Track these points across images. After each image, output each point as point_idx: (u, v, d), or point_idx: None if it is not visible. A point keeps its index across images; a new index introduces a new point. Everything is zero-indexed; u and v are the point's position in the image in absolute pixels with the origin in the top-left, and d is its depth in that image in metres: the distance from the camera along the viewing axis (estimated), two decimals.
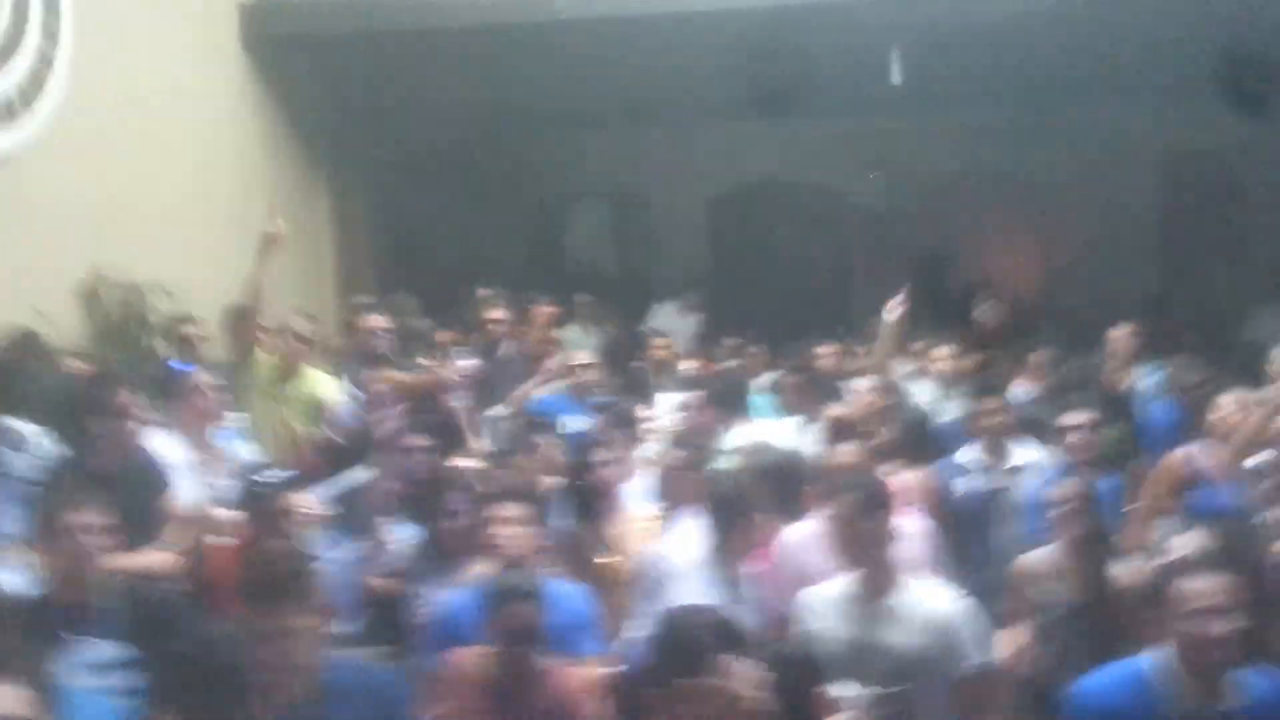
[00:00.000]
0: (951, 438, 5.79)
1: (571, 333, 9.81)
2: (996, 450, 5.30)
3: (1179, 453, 5.10)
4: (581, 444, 4.95)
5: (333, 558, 4.31)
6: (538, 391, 6.66)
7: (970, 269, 14.20)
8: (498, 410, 6.92)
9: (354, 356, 6.66)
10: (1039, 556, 4.19)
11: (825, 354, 7.19)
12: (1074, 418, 5.11)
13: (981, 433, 5.39)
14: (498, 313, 7.37)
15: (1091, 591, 3.96)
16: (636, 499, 4.94)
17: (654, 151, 12.17)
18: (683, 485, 4.63)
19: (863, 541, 3.57)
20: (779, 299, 12.74)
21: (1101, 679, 3.24)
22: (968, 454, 5.43)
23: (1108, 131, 11.08)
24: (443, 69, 9.70)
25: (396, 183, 10.88)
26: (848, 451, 4.54)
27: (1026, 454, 5.30)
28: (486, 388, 7.04)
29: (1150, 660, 3.17)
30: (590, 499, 4.55)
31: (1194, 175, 11.50)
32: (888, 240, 12.74)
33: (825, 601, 3.63)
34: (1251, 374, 6.06)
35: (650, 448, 5.37)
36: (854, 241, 12.92)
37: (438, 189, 11.82)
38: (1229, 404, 5.21)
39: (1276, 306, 9.41)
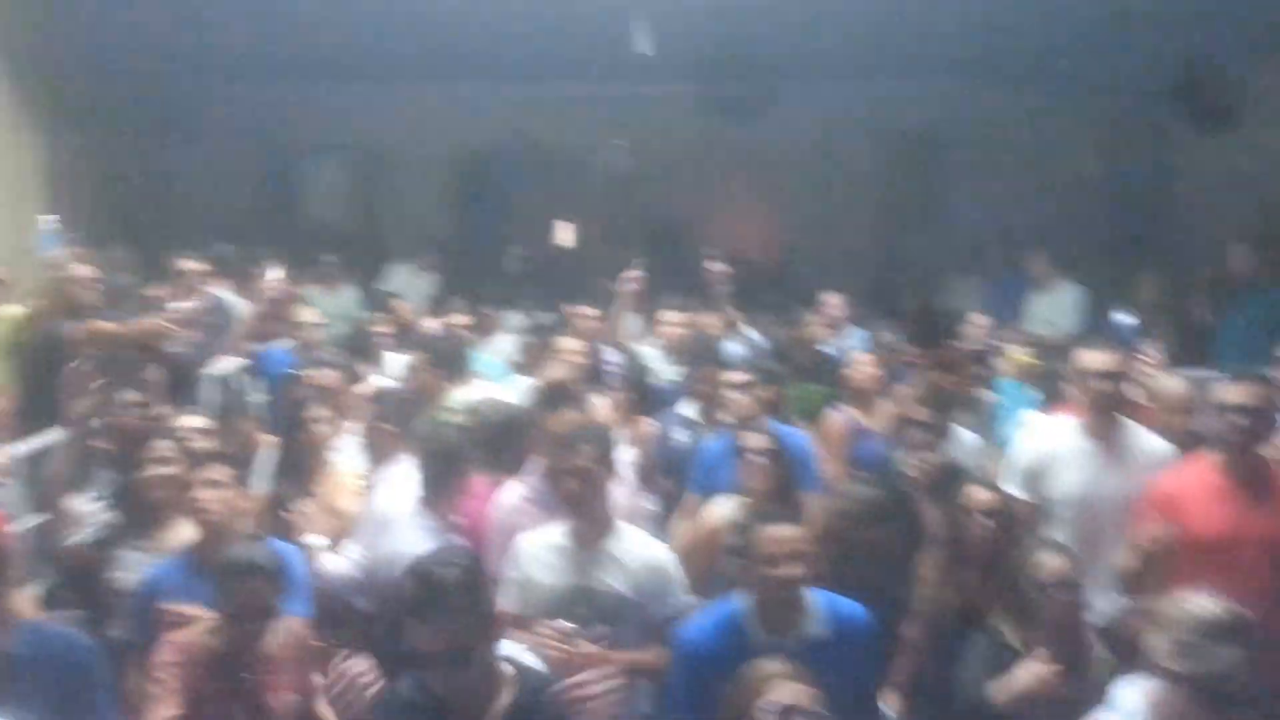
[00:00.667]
0: (675, 395, 6.05)
1: (311, 292, 9.59)
2: (711, 410, 5.54)
3: (838, 410, 5.52)
4: (294, 402, 4.84)
5: (22, 521, 4.05)
6: (257, 348, 6.45)
7: (707, 236, 14.70)
8: (216, 367, 6.70)
9: (58, 308, 6.25)
10: (724, 505, 4.41)
11: (570, 316, 7.28)
12: (734, 377, 5.33)
13: (698, 395, 5.63)
14: (197, 264, 7.10)
15: None
16: (348, 458, 4.91)
17: (396, 108, 11.91)
18: (391, 442, 4.62)
19: (579, 490, 3.68)
20: (519, 262, 12.80)
21: (701, 620, 3.50)
22: (687, 409, 5.67)
23: (831, 108, 11.62)
24: (166, 17, 9.18)
25: (116, 134, 10.24)
26: (567, 410, 4.61)
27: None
28: (204, 344, 6.80)
29: (739, 601, 3.45)
30: (300, 458, 4.46)
31: (907, 152, 12.23)
32: (629, 206, 12.97)
33: (540, 548, 3.73)
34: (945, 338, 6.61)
35: (364, 407, 5.30)
36: (596, 207, 13.05)
37: (159, 141, 11.20)
38: (864, 362, 5.70)
39: (970, 277, 10.19)
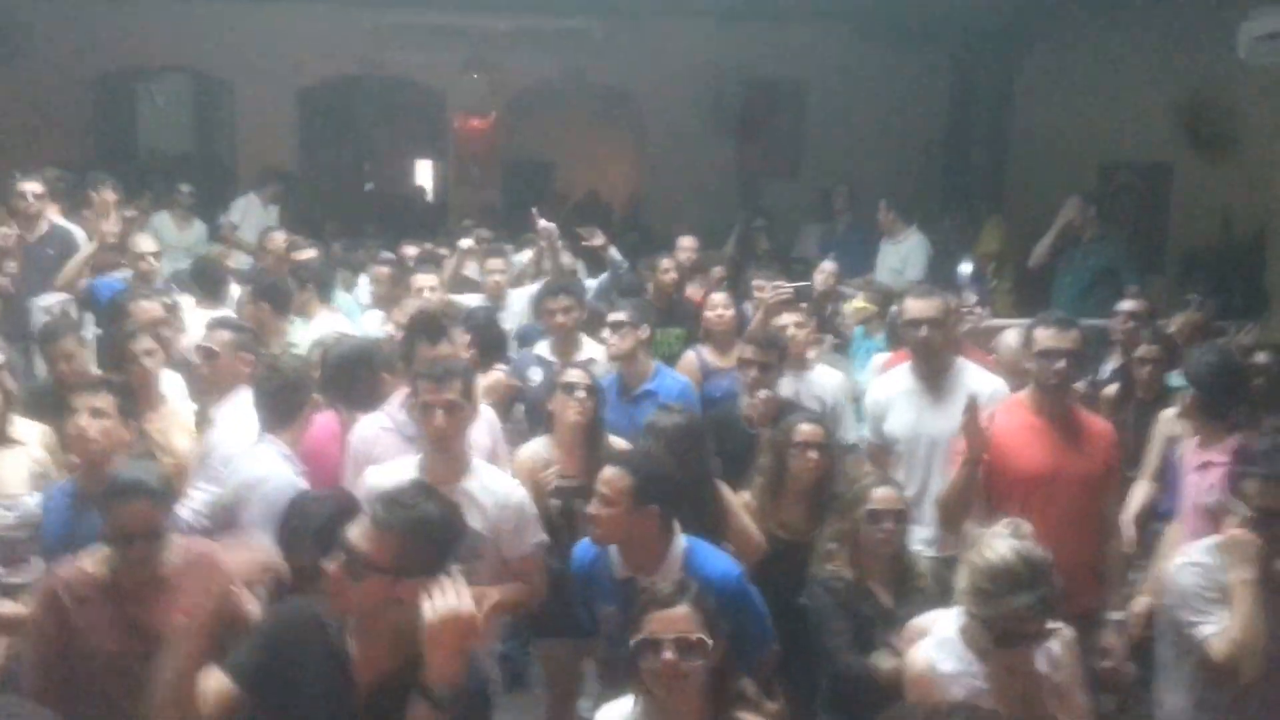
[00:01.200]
0: (533, 336, 6.04)
1: (161, 221, 9.22)
2: (567, 344, 5.53)
3: (692, 350, 5.62)
4: (123, 335, 4.64)
5: None
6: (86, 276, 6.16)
7: (565, 174, 14.64)
8: (47, 297, 6.37)
9: None
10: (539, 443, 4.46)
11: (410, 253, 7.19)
12: (612, 317, 5.30)
13: (554, 329, 5.61)
14: (34, 186, 6.71)
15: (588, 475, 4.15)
16: (179, 392, 4.79)
17: (241, 30, 11.35)
18: (225, 377, 4.52)
19: (444, 425, 3.65)
20: (367, 196, 12.51)
21: (583, 546, 3.73)
22: (544, 348, 5.65)
23: (691, 48, 11.63)
24: None
25: None
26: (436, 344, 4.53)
27: (593, 349, 5.55)
28: (32, 272, 6.46)
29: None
30: (129, 392, 4.27)
31: (765, 98, 12.33)
32: (486, 145, 12.75)
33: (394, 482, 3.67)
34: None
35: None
36: (452, 145, 12.81)
37: None
38: (718, 302, 5.82)
39: (821, 225, 10.39)
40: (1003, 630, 2.92)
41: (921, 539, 4.24)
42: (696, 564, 3.46)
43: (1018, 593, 2.89)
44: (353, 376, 4.43)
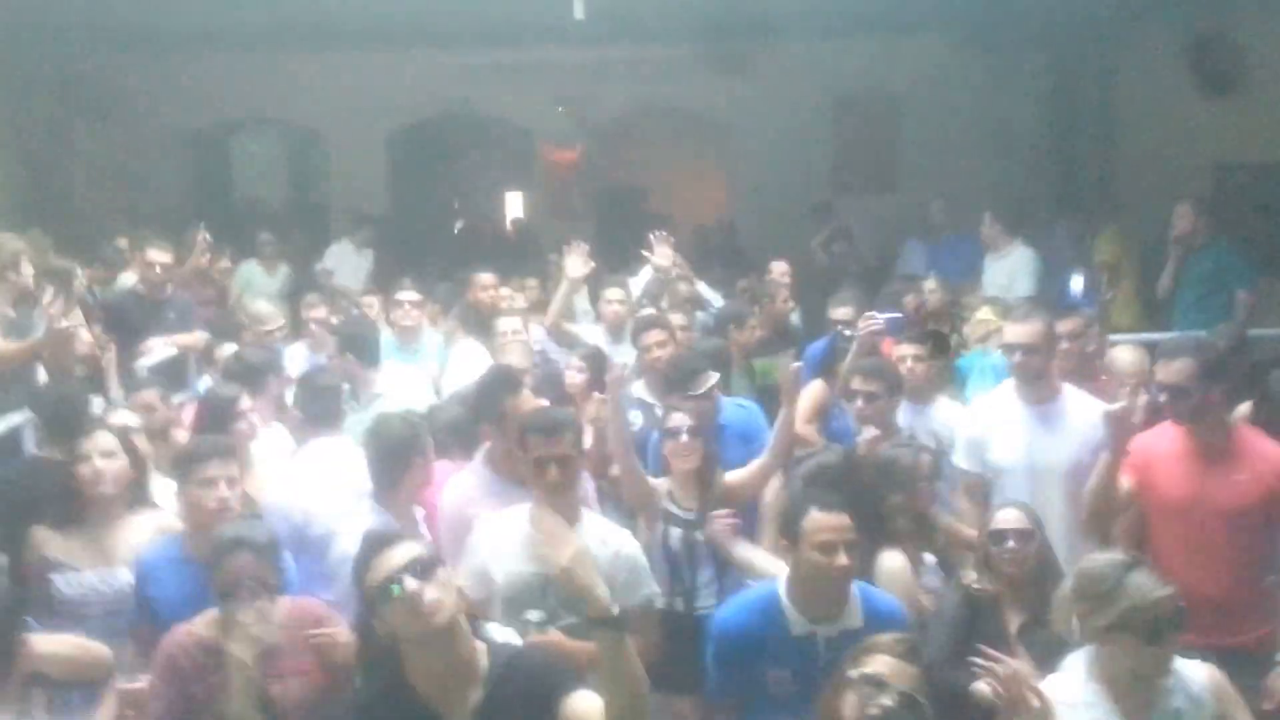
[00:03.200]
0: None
1: (250, 269, 9.37)
2: (658, 388, 5.32)
3: (816, 383, 5.35)
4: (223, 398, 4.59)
5: None
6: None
7: (656, 204, 14.53)
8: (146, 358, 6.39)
9: None
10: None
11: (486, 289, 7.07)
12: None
13: (648, 365, 5.42)
14: (155, 252, 6.72)
15: (708, 508, 4.18)
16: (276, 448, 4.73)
17: (329, 79, 11.49)
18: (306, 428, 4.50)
19: (559, 479, 3.57)
20: (460, 237, 12.51)
21: (738, 602, 3.51)
22: (640, 388, 5.47)
23: (782, 70, 11.41)
24: None
25: (26, 110, 9.79)
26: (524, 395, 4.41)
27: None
28: (139, 332, 6.48)
29: (780, 583, 3.42)
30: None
31: (860, 116, 12.07)
32: (575, 176, 12.71)
33: (503, 535, 3.62)
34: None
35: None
36: (541, 177, 12.80)
37: (72, 116, 10.73)
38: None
39: (924, 240, 10.00)
40: (1139, 620, 2.83)
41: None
42: (873, 607, 3.38)
43: (1130, 574, 2.87)
44: (455, 433, 4.45)
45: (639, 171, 14.44)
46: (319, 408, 4.56)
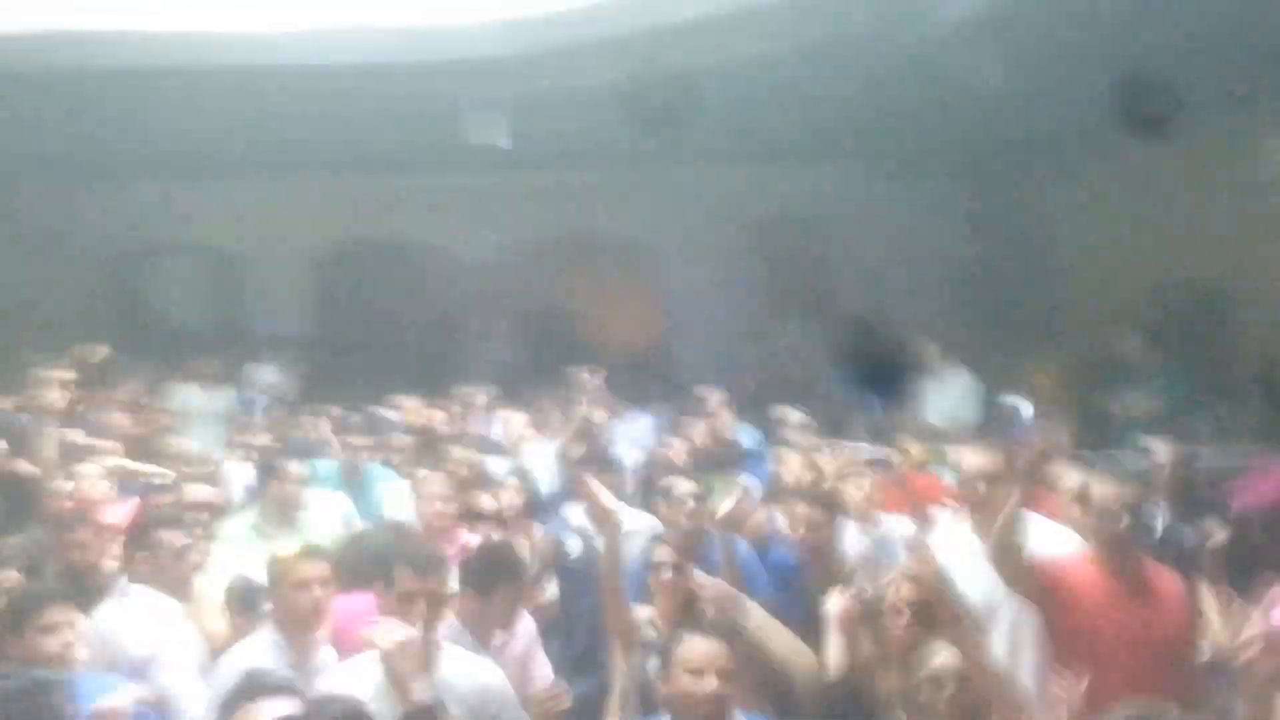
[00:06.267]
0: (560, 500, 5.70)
1: (189, 392, 9.09)
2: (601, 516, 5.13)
3: (760, 511, 5.21)
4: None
5: None
6: None
7: (577, 328, 14.43)
8: None
9: None
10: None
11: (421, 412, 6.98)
12: (684, 486, 5.06)
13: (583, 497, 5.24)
14: (61, 374, 6.42)
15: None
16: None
17: (246, 205, 11.37)
18: None
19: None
20: (384, 358, 12.23)
21: None
22: (575, 515, 5.30)
23: (705, 195, 11.51)
24: None
25: None
26: None
27: (634, 518, 5.16)
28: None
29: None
30: None
31: (783, 240, 12.19)
32: (496, 298, 12.61)
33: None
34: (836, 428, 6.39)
35: None
36: (462, 300, 12.71)
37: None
38: (792, 462, 5.44)
39: (850, 367, 9.98)
40: None
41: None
42: None
43: None
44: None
45: (563, 296, 14.38)
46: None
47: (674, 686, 3.25)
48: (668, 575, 4.18)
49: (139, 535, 4.28)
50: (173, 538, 4.24)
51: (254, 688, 2.51)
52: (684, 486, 5.03)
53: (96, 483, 5.43)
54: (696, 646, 3.27)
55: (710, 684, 3.20)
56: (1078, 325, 9.85)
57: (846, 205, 11.50)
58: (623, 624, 4.21)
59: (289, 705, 2.48)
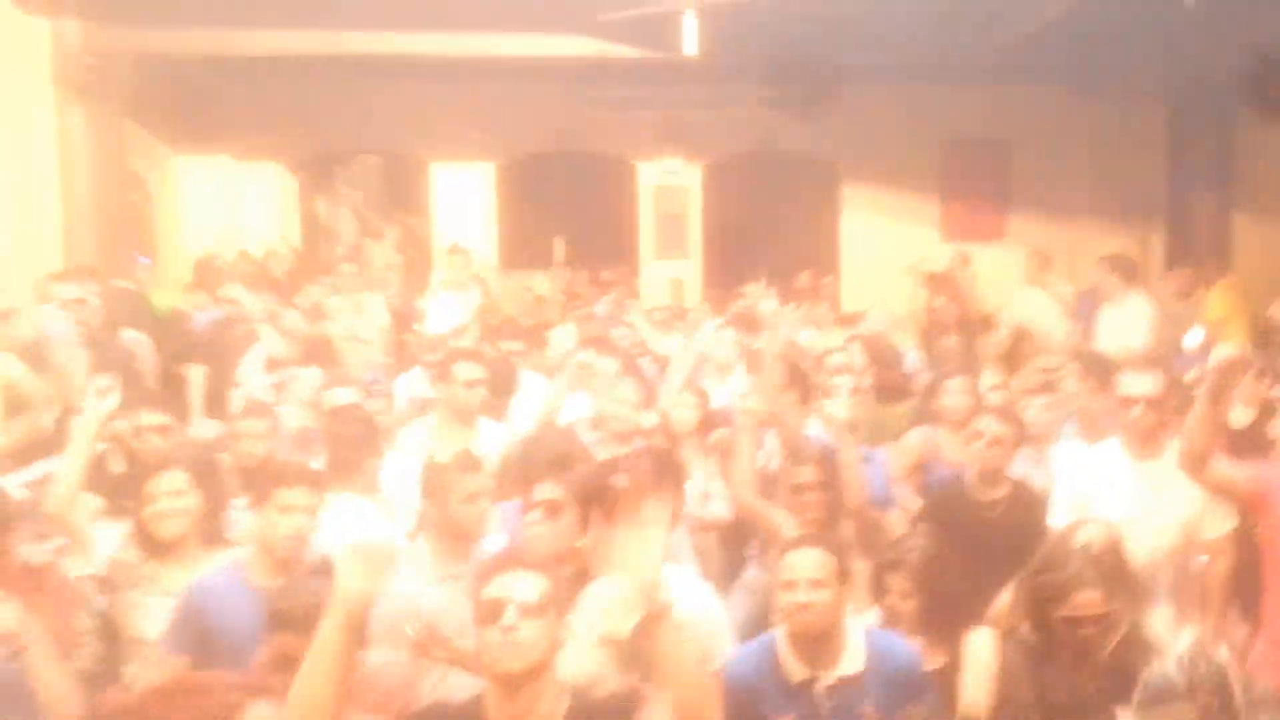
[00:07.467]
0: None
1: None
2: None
3: (916, 432, 5.28)
4: None
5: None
6: None
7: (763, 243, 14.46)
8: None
9: None
10: None
11: None
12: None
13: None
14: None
15: None
16: None
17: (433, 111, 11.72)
18: None
19: None
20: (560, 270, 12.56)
21: (742, 651, 3.36)
22: None
23: (891, 115, 11.39)
24: None
25: None
26: None
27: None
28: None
29: (777, 632, 3.30)
30: None
31: (968, 160, 11.96)
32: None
33: None
34: None
35: None
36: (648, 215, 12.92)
37: None
38: (957, 390, 5.38)
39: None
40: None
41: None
42: (881, 650, 3.26)
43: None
44: None
45: (747, 211, 14.42)
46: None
47: (789, 597, 3.20)
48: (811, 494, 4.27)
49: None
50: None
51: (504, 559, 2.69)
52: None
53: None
54: (807, 557, 3.24)
55: (821, 594, 3.17)
56: (1259, 252, 9.42)
57: (1031, 126, 11.17)
58: (769, 527, 4.32)
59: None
